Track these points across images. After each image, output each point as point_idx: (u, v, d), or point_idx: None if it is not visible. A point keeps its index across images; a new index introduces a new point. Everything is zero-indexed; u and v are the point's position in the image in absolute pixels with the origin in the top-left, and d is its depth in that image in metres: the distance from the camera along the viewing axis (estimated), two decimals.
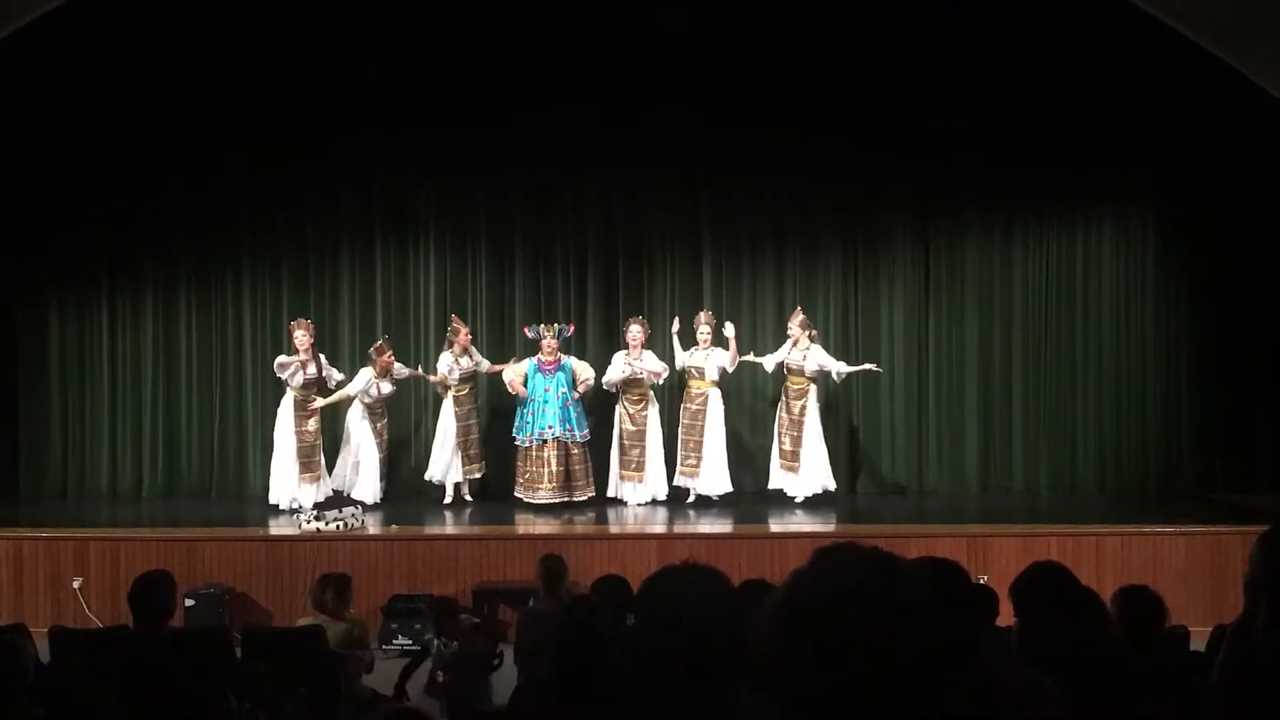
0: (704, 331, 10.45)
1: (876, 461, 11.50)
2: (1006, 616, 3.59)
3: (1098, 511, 10.38)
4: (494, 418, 11.03)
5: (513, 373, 10.46)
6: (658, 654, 2.12)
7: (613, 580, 5.56)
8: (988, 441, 11.49)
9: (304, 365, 10.21)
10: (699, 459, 10.45)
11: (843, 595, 1.61)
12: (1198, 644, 5.49)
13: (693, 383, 10.55)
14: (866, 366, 10.68)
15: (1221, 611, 7.43)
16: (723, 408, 10.55)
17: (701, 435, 10.44)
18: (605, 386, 10.57)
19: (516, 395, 10.45)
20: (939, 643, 1.64)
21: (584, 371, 10.49)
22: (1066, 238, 11.41)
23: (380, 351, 10.39)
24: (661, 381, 10.60)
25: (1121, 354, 11.29)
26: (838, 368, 10.45)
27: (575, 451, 10.39)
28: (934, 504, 11.05)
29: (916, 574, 1.66)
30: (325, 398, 10.35)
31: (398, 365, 10.52)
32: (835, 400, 11.30)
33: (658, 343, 10.89)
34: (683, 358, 10.56)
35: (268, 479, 10.46)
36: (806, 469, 10.41)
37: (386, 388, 10.38)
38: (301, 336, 10.21)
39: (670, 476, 10.58)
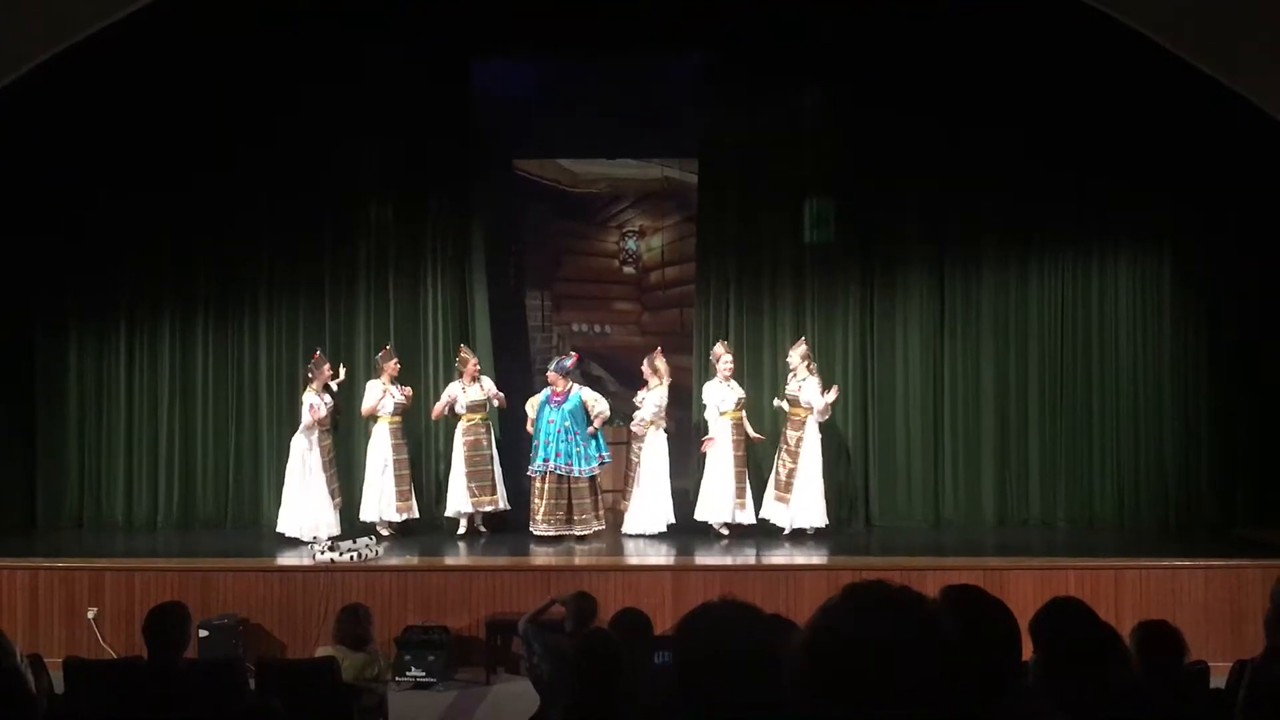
0: (725, 363, 10.40)
1: (892, 494, 11.42)
2: (1025, 651, 3.56)
3: (1116, 545, 10.29)
4: (511, 449, 11.00)
5: (529, 406, 10.48)
6: (699, 690, 2.10)
7: (633, 614, 5.46)
8: (1004, 474, 11.42)
9: (322, 397, 10.25)
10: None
11: (871, 632, 1.62)
12: (1218, 680, 5.44)
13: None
14: (830, 396, 10.31)
15: (1242, 647, 7.35)
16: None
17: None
18: (650, 420, 10.34)
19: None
20: (966, 679, 1.65)
21: (596, 404, 10.36)
22: (1082, 269, 11.37)
23: (386, 358, 10.45)
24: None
25: (1139, 386, 11.22)
26: (819, 408, 10.25)
27: (579, 485, 10.21)
28: (950, 537, 10.95)
29: (943, 613, 1.68)
30: (333, 423, 10.39)
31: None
32: (852, 432, 11.28)
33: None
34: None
35: (283, 510, 10.45)
36: (797, 502, 10.29)
37: (399, 396, 10.39)
38: (328, 370, 10.31)
39: (675, 507, 10.48)
